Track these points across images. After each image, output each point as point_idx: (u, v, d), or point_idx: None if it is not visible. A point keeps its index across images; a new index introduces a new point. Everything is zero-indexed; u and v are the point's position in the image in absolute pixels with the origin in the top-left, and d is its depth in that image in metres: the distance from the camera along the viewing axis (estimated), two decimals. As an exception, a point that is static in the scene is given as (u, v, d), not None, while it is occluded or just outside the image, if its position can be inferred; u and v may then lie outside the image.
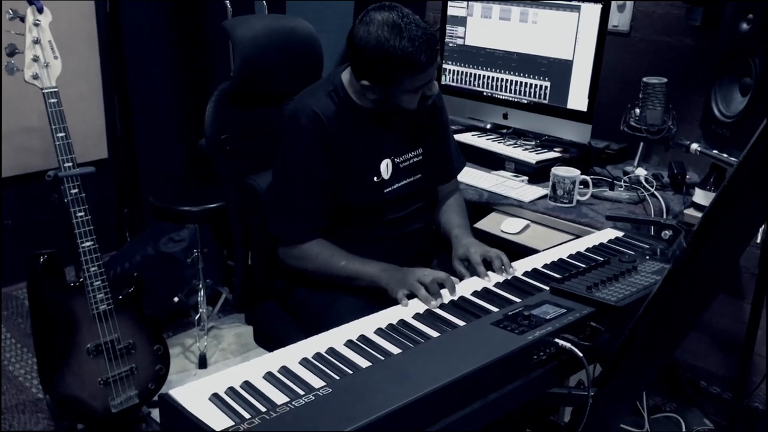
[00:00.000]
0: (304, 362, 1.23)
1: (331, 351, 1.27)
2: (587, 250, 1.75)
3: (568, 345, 1.26)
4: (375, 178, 1.77)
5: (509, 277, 1.60)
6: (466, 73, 2.73)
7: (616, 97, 2.51)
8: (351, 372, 1.19)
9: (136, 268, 2.92)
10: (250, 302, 2.00)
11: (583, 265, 1.59)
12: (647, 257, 1.63)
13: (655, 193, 2.24)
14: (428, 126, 1.89)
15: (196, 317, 2.87)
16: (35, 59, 2.01)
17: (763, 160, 1.00)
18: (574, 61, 2.40)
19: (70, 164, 2.06)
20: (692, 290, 1.24)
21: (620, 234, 1.85)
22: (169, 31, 3.64)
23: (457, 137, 2.53)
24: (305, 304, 1.80)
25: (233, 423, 1.03)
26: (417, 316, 1.42)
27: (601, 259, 1.63)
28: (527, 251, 1.92)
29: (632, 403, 2.23)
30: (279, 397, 1.11)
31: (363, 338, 1.31)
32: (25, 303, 3.14)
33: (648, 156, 2.60)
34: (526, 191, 2.26)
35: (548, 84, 2.49)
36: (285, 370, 1.20)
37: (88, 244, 2.09)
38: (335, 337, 1.32)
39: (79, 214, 2.07)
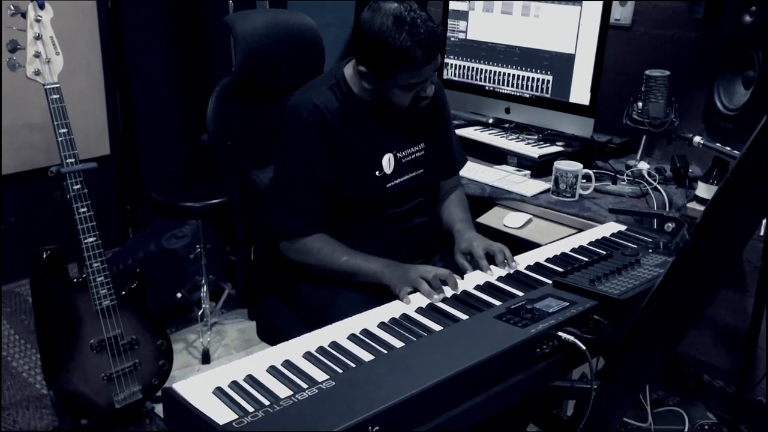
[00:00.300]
0: (308, 356, 1.23)
1: (334, 345, 1.27)
2: (590, 243, 1.75)
3: (571, 338, 1.26)
4: (377, 173, 1.77)
5: (512, 271, 1.60)
6: (468, 67, 2.72)
7: (619, 90, 2.51)
8: (354, 365, 1.19)
9: (138, 264, 2.92)
10: (253, 297, 2.01)
11: (586, 259, 1.59)
12: (650, 250, 1.63)
13: (658, 186, 2.23)
14: (431, 121, 1.88)
15: (199, 313, 2.88)
16: (37, 55, 2.01)
17: (766, 153, 1.00)
18: (576, 54, 2.39)
19: (73, 160, 2.06)
20: (695, 283, 1.24)
21: (623, 227, 1.85)
22: (170, 26, 3.64)
23: (460, 132, 2.53)
24: (308, 299, 1.80)
25: (237, 416, 1.03)
26: (420, 310, 1.42)
27: (604, 252, 1.62)
28: (530, 245, 1.92)
29: (635, 397, 2.23)
30: (282, 391, 1.12)
31: (366, 332, 1.32)
32: (28, 299, 3.15)
33: (650, 149, 2.59)
34: (528, 185, 2.26)
35: (550, 78, 2.48)
36: (288, 364, 1.20)
37: (90, 240, 2.10)
38: (338, 331, 1.32)
39: (82, 210, 2.07)
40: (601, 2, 2.29)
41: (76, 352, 2.15)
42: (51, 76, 2.03)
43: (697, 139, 2.07)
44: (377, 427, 1.02)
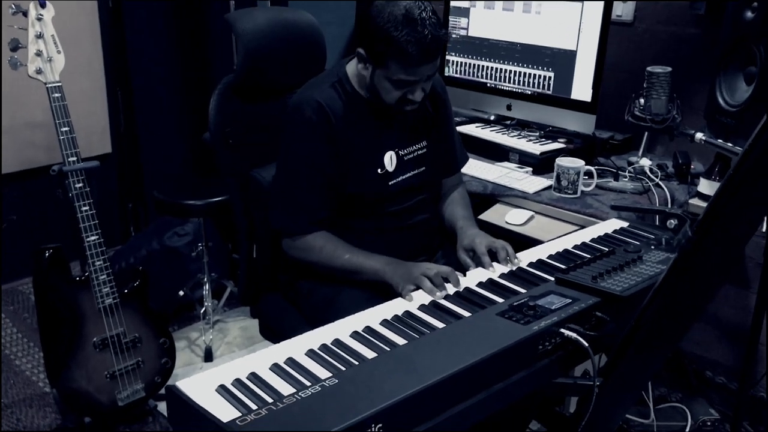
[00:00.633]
0: (311, 353, 1.23)
1: (337, 342, 1.27)
2: (592, 240, 1.75)
3: (574, 335, 1.26)
4: (379, 170, 1.77)
5: (514, 268, 1.60)
6: (470, 64, 2.72)
7: (620, 87, 2.50)
8: (357, 363, 1.19)
9: (141, 262, 2.92)
10: (255, 295, 2.01)
11: (588, 256, 1.59)
12: (652, 247, 1.63)
13: (660, 183, 2.23)
14: (432, 119, 1.88)
15: (202, 311, 2.88)
16: (38, 54, 2.01)
17: (768, 149, 1.00)
18: (577, 51, 2.39)
19: (75, 159, 2.06)
20: (697, 280, 1.24)
21: (625, 224, 1.85)
22: (171, 25, 3.64)
23: (461, 129, 2.53)
24: (310, 296, 1.80)
25: (240, 414, 1.03)
26: (422, 308, 1.42)
27: (606, 249, 1.63)
28: (532, 242, 1.92)
29: (638, 393, 2.23)
30: (285, 388, 1.12)
31: (368, 329, 1.32)
32: (31, 297, 3.15)
33: (652, 146, 2.59)
34: (530, 182, 2.26)
35: (552, 74, 2.48)
36: (291, 362, 1.20)
37: (93, 238, 2.10)
38: (341, 329, 1.32)
39: (84, 208, 2.08)
40: (603, -1, 2.29)
41: (79, 350, 2.15)
42: (53, 75, 2.03)
43: (699, 135, 2.07)
44: (380, 425, 1.02)
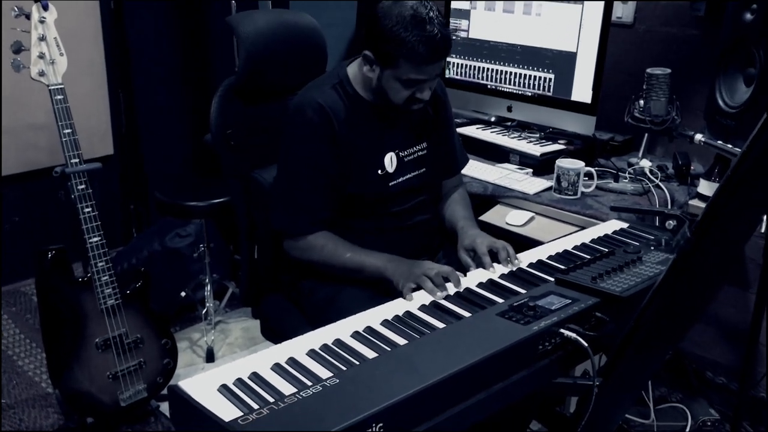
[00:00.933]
0: (312, 353, 1.24)
1: (338, 342, 1.28)
2: (592, 241, 1.75)
3: (573, 335, 1.27)
4: (379, 171, 1.78)
5: (515, 269, 1.60)
6: (470, 66, 2.73)
7: (620, 88, 2.51)
8: (358, 363, 1.20)
9: (142, 263, 2.93)
10: (257, 296, 2.01)
11: (588, 256, 1.59)
12: (652, 248, 1.64)
13: (660, 184, 2.24)
14: (433, 120, 1.89)
15: (203, 312, 2.89)
16: (41, 56, 2.02)
17: (767, 150, 1.00)
18: (578, 53, 2.40)
19: (77, 160, 2.07)
20: (697, 280, 1.24)
21: (625, 225, 1.86)
22: (172, 27, 3.65)
23: (461, 130, 2.54)
24: (311, 296, 1.81)
25: (242, 413, 1.04)
26: (423, 308, 1.43)
27: (606, 250, 1.63)
28: (532, 243, 1.93)
29: (637, 393, 2.23)
30: (287, 388, 1.12)
31: (369, 329, 1.32)
32: (33, 298, 3.16)
33: (652, 147, 2.60)
34: (530, 183, 2.27)
35: (552, 76, 2.49)
36: (292, 361, 1.21)
37: (95, 239, 2.11)
38: (342, 329, 1.32)
39: (87, 209, 2.08)
40: (603, 0, 2.29)
41: (82, 351, 2.16)
42: (55, 77, 2.04)
43: (699, 136, 2.08)
44: (381, 424, 1.03)
